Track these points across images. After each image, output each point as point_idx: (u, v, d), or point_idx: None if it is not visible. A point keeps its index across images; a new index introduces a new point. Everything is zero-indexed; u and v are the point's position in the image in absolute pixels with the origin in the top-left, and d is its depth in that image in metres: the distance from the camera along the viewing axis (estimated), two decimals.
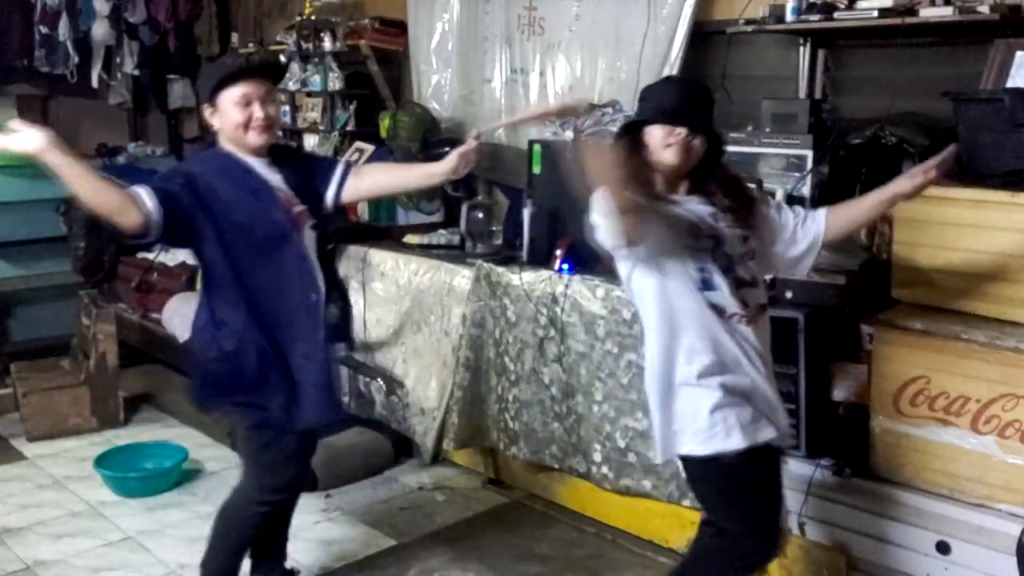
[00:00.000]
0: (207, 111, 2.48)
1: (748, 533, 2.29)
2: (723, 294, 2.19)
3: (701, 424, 2.17)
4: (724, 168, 2.31)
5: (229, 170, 2.47)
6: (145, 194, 2.31)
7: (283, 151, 2.67)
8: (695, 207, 2.23)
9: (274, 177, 2.53)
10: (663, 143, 2.17)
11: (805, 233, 2.32)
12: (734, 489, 2.27)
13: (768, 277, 2.44)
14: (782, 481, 2.37)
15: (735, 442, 2.16)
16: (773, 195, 3.02)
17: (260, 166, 2.51)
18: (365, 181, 2.66)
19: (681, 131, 2.15)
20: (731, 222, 2.23)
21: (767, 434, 2.20)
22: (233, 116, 2.42)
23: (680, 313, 2.19)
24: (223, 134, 2.48)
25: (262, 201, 2.48)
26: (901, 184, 2.31)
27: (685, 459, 2.27)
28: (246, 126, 2.43)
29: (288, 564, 2.90)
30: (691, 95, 2.24)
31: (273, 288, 2.49)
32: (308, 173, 2.62)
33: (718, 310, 2.18)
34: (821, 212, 2.34)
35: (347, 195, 2.65)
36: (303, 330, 2.52)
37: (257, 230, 2.45)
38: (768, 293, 2.38)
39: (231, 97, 2.42)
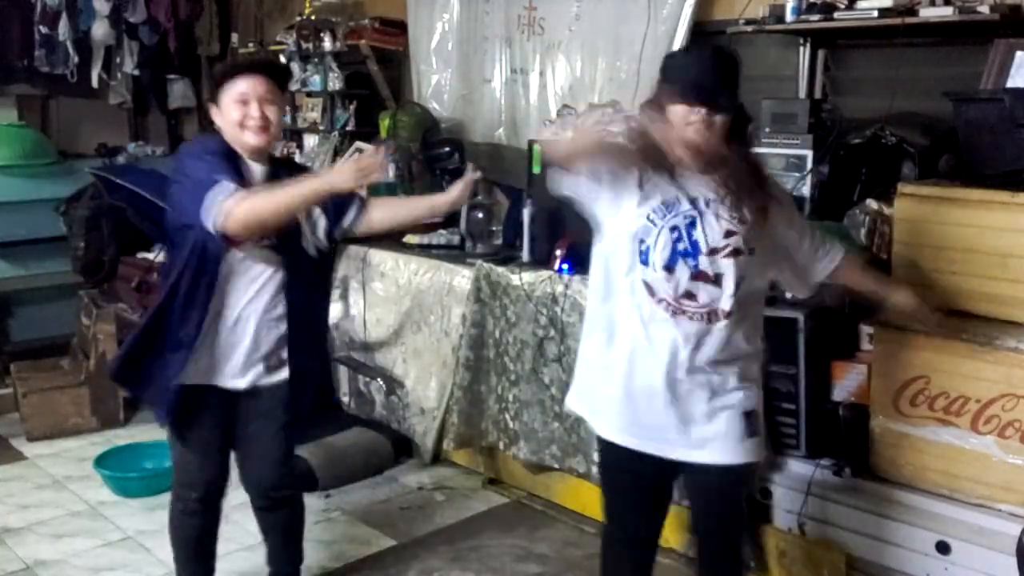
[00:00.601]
0: (212, 110, 2.48)
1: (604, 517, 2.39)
2: (656, 274, 2.11)
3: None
4: (747, 154, 2.22)
5: (225, 156, 2.43)
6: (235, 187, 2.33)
7: (288, 166, 2.63)
8: (698, 186, 2.14)
9: (260, 181, 2.46)
10: (684, 120, 2.08)
11: (817, 260, 2.29)
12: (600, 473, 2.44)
13: (760, 285, 2.25)
14: (660, 496, 2.33)
15: (597, 426, 2.28)
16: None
17: (252, 165, 2.47)
18: (376, 215, 2.65)
19: (701, 110, 2.06)
20: (727, 212, 2.12)
21: (626, 439, 2.20)
22: (231, 114, 2.40)
23: (613, 279, 2.19)
24: (225, 135, 2.46)
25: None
26: (901, 300, 2.38)
27: None
28: (242, 125, 2.40)
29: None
30: (714, 68, 2.12)
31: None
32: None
33: (648, 288, 2.12)
34: (838, 255, 2.30)
35: (362, 228, 2.64)
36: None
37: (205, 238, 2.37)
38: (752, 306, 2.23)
39: (231, 94, 2.40)
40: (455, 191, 2.61)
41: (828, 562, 2.71)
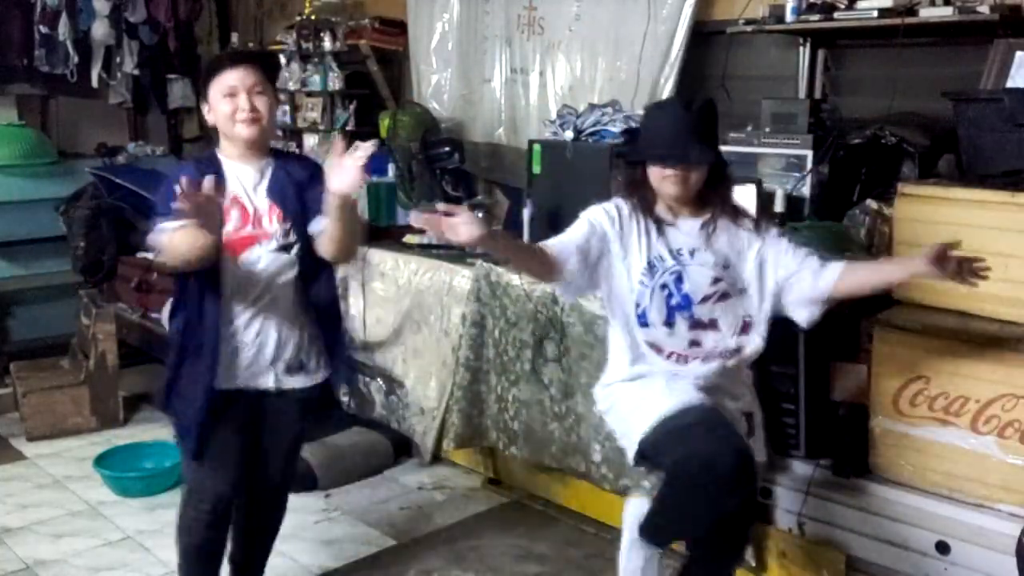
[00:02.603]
0: (205, 110, 2.45)
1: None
2: (658, 332, 2.27)
3: None
4: (726, 195, 2.34)
5: (202, 169, 2.38)
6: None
7: (296, 159, 2.57)
8: (682, 237, 2.29)
9: (242, 179, 2.42)
10: (660, 177, 2.24)
11: (814, 283, 2.29)
12: None
13: (752, 319, 2.34)
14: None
15: None
16: (773, 195, 3.02)
17: (240, 169, 2.42)
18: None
19: (672, 170, 2.22)
20: (712, 258, 2.26)
21: None
22: (221, 108, 2.37)
23: (617, 342, 2.35)
24: (220, 133, 2.44)
25: None
26: (917, 268, 2.25)
27: None
28: (232, 117, 2.36)
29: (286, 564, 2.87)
30: (685, 125, 2.22)
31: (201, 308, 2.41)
32: (304, 193, 2.46)
33: (655, 348, 2.29)
34: (838, 265, 2.30)
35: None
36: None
37: None
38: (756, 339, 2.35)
39: (219, 88, 2.37)
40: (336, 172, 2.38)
41: (828, 562, 2.71)
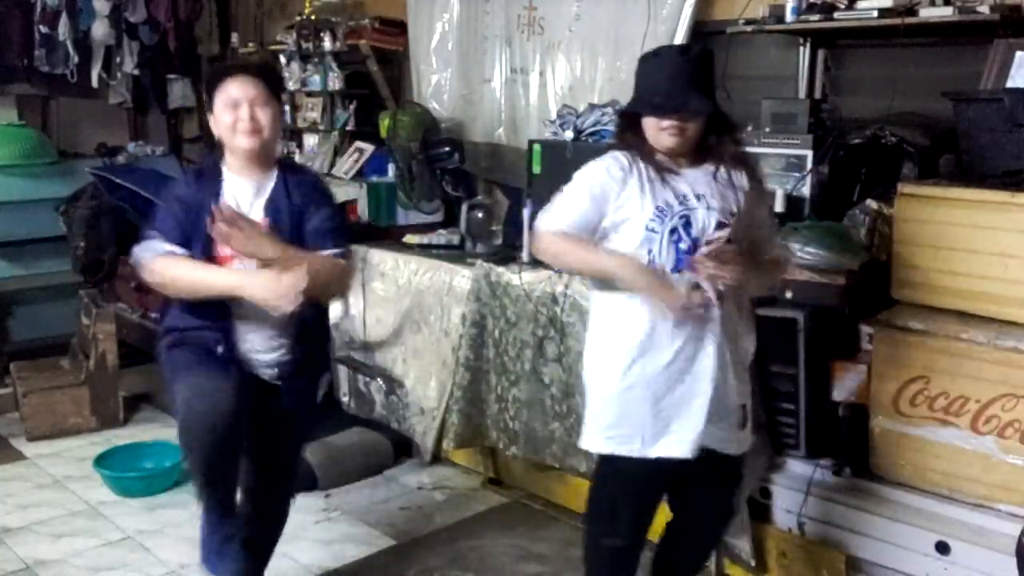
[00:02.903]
0: (211, 121, 2.45)
1: None
2: (683, 279, 2.21)
3: None
4: (733, 143, 2.25)
5: (202, 182, 2.44)
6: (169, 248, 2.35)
7: (297, 178, 2.51)
8: (688, 183, 2.21)
9: (243, 193, 2.42)
10: (657, 129, 2.16)
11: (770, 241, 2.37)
12: None
13: None
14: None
15: None
16: (773, 195, 3.02)
17: (239, 183, 2.42)
18: None
19: (672, 119, 2.13)
20: (718, 203, 2.19)
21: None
22: (223, 118, 2.38)
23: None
24: (224, 144, 2.43)
25: (200, 221, 2.35)
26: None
27: None
28: (233, 128, 2.37)
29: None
30: (681, 74, 2.14)
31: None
32: (302, 222, 2.45)
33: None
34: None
35: None
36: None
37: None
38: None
39: (222, 99, 2.38)
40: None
41: (828, 562, 2.72)
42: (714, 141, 2.21)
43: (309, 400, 2.62)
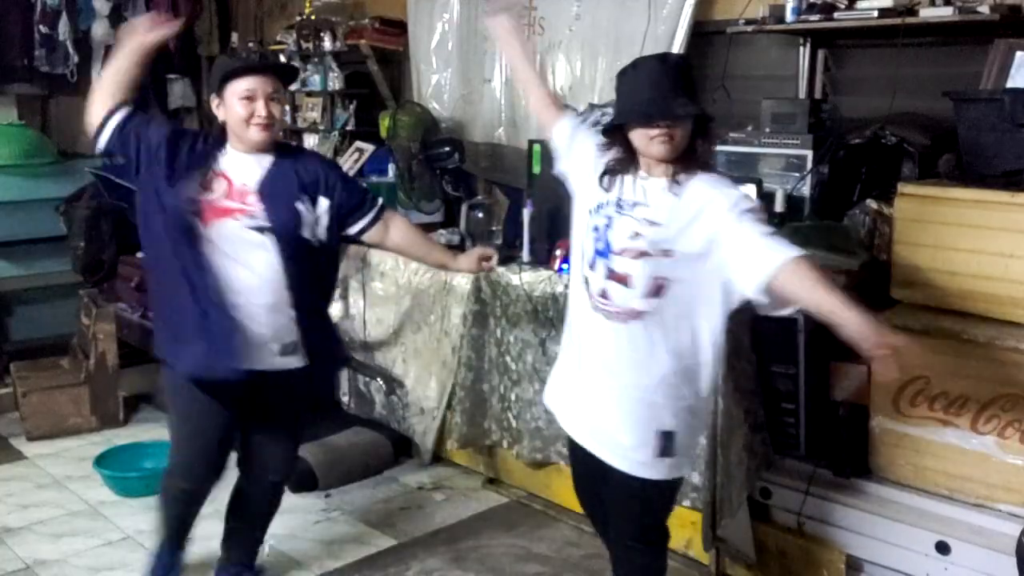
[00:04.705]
0: (214, 103, 2.52)
1: None
2: (595, 276, 2.20)
3: None
4: (699, 155, 2.15)
5: (193, 139, 2.56)
6: (120, 113, 2.51)
7: (300, 157, 2.63)
8: (651, 187, 2.14)
9: (240, 168, 2.50)
10: (646, 139, 2.11)
11: (758, 257, 2.00)
12: None
13: (667, 281, 2.12)
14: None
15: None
16: (773, 195, 3.02)
17: (240, 158, 2.52)
18: (391, 239, 2.70)
19: (660, 128, 2.08)
20: (645, 213, 2.11)
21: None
22: (237, 111, 2.45)
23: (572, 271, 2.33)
24: (229, 129, 2.50)
25: (189, 178, 2.46)
26: (852, 323, 1.92)
27: None
28: (248, 122, 2.45)
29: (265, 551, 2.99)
30: (663, 81, 2.11)
31: (167, 280, 2.51)
32: (326, 184, 2.56)
33: (587, 282, 2.22)
34: (787, 253, 1.97)
35: (371, 240, 2.68)
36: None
37: (168, 207, 2.45)
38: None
39: (236, 91, 2.44)
40: (471, 263, 2.77)
41: (828, 562, 2.72)
42: (700, 148, 2.16)
43: (321, 387, 2.70)
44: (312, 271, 2.59)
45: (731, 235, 2.04)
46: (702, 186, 2.11)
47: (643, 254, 2.10)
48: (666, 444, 2.18)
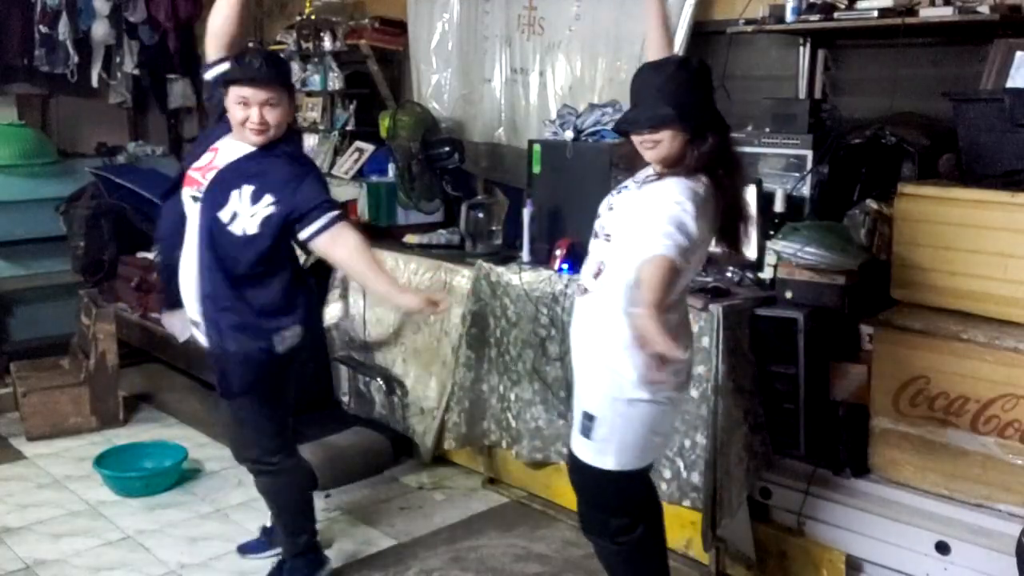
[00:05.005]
0: (225, 96, 2.63)
1: None
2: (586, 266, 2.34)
3: None
4: (691, 160, 2.15)
5: (219, 127, 2.71)
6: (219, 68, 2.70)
7: (285, 153, 2.66)
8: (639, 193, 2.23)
9: (229, 150, 2.64)
10: (638, 143, 2.20)
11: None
12: None
13: (603, 266, 2.24)
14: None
15: None
16: (773, 195, 3.02)
17: (234, 145, 2.64)
18: (337, 252, 2.59)
19: (643, 134, 2.17)
20: (616, 203, 2.27)
21: None
22: (234, 112, 2.57)
23: None
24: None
25: (197, 150, 2.73)
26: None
27: None
28: (243, 125, 2.57)
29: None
30: (648, 87, 2.16)
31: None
32: (280, 186, 2.56)
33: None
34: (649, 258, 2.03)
35: (317, 247, 2.61)
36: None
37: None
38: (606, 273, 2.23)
39: (233, 97, 2.56)
40: (413, 300, 2.57)
41: (828, 562, 2.72)
42: (689, 160, 2.14)
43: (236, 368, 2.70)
44: (231, 260, 2.56)
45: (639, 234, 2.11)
46: (658, 188, 2.15)
47: (595, 235, 2.30)
48: (586, 424, 2.27)
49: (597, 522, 2.39)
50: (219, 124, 2.70)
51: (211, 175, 2.60)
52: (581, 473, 2.34)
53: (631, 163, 2.29)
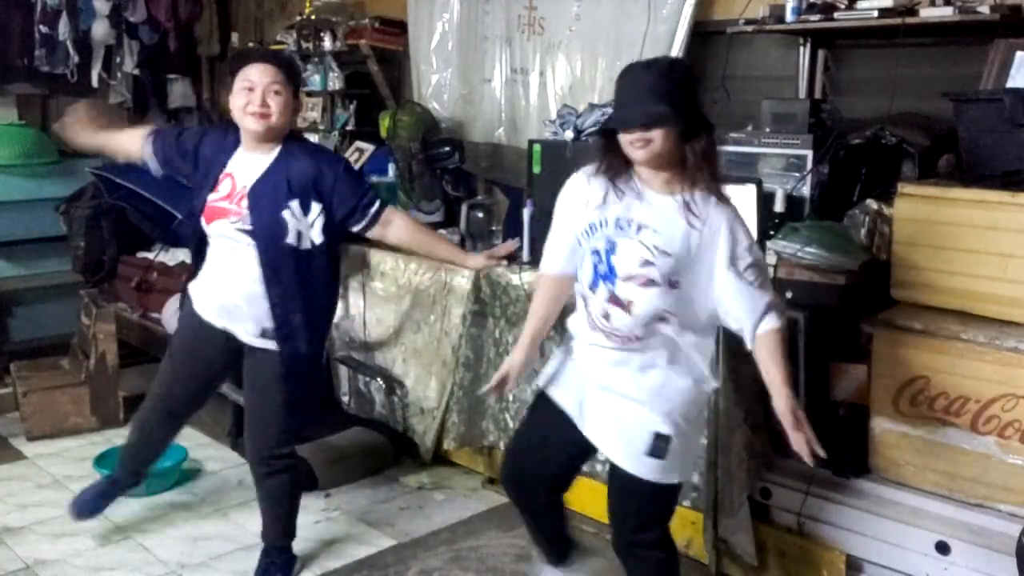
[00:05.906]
0: (230, 99, 2.64)
1: None
2: (585, 290, 2.26)
3: None
4: (700, 168, 2.12)
5: (220, 139, 2.74)
6: (149, 146, 2.84)
7: (300, 153, 2.71)
8: (656, 207, 2.14)
9: (244, 168, 2.65)
10: (627, 143, 2.12)
11: (735, 304, 2.13)
12: None
13: (668, 315, 2.17)
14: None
15: None
16: (773, 195, 3.02)
17: (247, 158, 2.66)
18: (393, 234, 2.85)
19: (635, 132, 2.09)
20: (653, 239, 2.11)
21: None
22: (238, 100, 2.58)
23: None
24: (236, 122, 2.65)
25: (207, 178, 2.71)
26: (784, 400, 2.18)
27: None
28: (244, 110, 2.57)
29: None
30: (640, 85, 2.11)
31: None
32: (318, 188, 2.68)
33: (584, 298, 2.27)
34: (772, 324, 2.15)
35: (371, 235, 2.83)
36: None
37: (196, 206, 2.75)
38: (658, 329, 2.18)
39: (240, 81, 2.58)
40: (482, 260, 2.98)
41: (828, 562, 2.72)
42: (691, 160, 2.11)
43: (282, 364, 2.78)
44: (296, 272, 2.68)
45: (730, 284, 2.13)
46: (718, 219, 2.12)
47: (651, 283, 2.13)
48: (659, 447, 2.21)
49: (649, 537, 2.35)
50: (198, 164, 2.76)
51: (245, 202, 2.63)
52: (642, 494, 2.27)
53: (616, 169, 2.20)
